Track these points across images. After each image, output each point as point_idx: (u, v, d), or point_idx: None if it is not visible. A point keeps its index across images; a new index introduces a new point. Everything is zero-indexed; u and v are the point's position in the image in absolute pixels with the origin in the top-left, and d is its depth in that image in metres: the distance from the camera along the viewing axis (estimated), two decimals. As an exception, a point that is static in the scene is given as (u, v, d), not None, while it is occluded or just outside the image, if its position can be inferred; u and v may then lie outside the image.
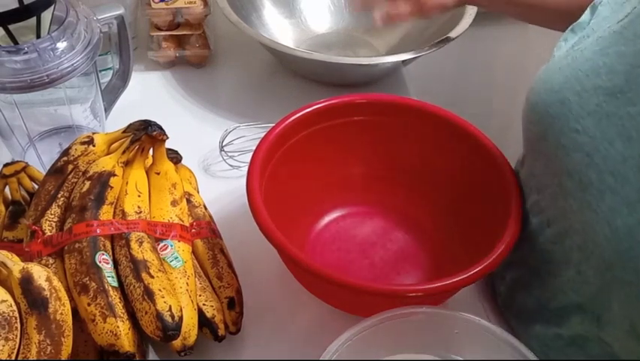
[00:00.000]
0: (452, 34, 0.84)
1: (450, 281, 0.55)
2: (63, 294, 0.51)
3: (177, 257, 0.58)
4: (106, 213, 0.57)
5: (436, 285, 0.56)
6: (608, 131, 0.50)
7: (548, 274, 0.59)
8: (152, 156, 0.63)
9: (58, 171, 0.61)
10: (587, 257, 0.52)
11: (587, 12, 0.58)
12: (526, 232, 0.60)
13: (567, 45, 0.58)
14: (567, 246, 0.55)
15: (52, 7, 0.64)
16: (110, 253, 0.56)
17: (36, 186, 0.63)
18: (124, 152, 0.61)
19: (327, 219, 0.73)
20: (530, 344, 0.60)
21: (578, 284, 0.54)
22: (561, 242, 0.55)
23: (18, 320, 0.48)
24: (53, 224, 0.57)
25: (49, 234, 0.56)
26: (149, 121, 0.61)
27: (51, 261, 0.55)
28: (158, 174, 0.63)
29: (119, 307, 0.53)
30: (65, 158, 0.61)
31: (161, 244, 0.59)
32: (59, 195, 0.59)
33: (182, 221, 0.62)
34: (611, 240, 0.49)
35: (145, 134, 0.60)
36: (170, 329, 0.52)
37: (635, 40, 0.50)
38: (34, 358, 0.47)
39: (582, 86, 0.53)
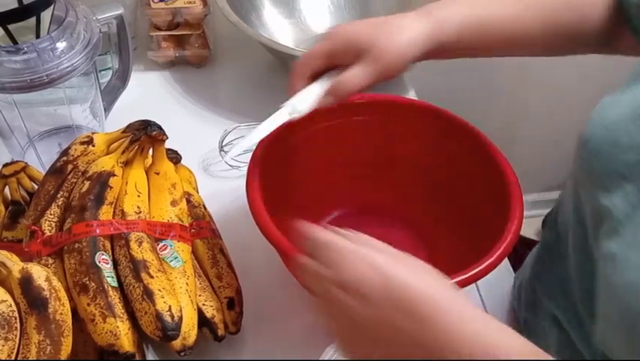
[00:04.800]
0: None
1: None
2: (63, 294, 0.51)
3: (177, 257, 0.58)
4: (105, 213, 0.57)
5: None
6: None
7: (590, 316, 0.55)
8: (152, 156, 0.63)
9: (57, 171, 0.61)
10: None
11: None
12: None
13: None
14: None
15: (52, 7, 0.64)
16: (110, 253, 0.56)
17: (36, 186, 0.63)
18: (123, 152, 0.61)
19: (327, 218, 0.73)
20: None
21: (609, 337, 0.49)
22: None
23: (18, 320, 0.48)
24: (53, 224, 0.57)
25: (48, 234, 0.56)
26: (149, 121, 0.61)
27: (50, 261, 0.55)
28: (158, 174, 0.63)
29: (119, 308, 0.52)
30: (65, 158, 0.61)
31: (161, 244, 0.59)
32: (59, 195, 0.58)
33: (182, 221, 0.62)
34: (613, 293, 0.46)
35: (144, 134, 0.60)
36: (170, 329, 0.52)
37: None
38: (34, 358, 0.47)
39: (637, 126, 0.47)
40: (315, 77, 0.57)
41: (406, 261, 0.44)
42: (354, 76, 0.55)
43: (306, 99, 0.56)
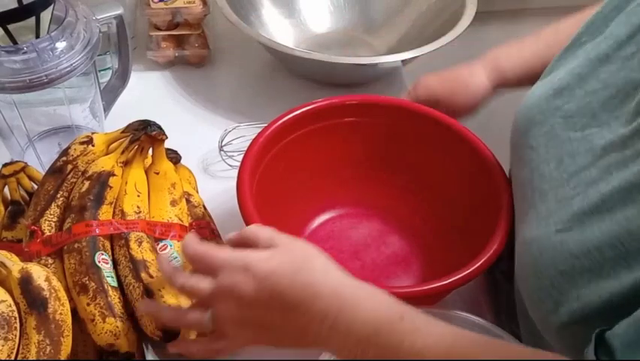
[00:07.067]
0: (452, 34, 0.84)
1: (438, 285, 0.55)
2: (62, 294, 0.51)
3: (177, 257, 0.58)
4: (105, 213, 0.57)
5: (423, 288, 0.56)
6: (550, 151, 0.52)
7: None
8: (152, 155, 0.63)
9: (57, 171, 0.61)
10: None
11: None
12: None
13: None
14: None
15: (52, 6, 0.64)
16: (110, 253, 0.56)
17: (35, 186, 0.63)
18: (123, 152, 0.61)
19: (321, 218, 0.73)
20: None
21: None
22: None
23: (17, 320, 0.48)
24: (52, 224, 0.57)
25: (48, 234, 0.56)
26: (148, 121, 0.61)
27: (50, 261, 0.55)
28: (158, 173, 0.63)
29: (119, 307, 0.53)
30: (64, 158, 0.61)
31: (161, 244, 0.59)
32: (58, 195, 0.59)
33: (182, 221, 0.62)
34: (519, 253, 0.52)
35: (144, 134, 0.60)
36: (170, 329, 0.52)
37: (597, 68, 0.51)
38: (34, 358, 0.47)
39: (548, 104, 0.54)
40: None
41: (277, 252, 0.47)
42: None
43: None
